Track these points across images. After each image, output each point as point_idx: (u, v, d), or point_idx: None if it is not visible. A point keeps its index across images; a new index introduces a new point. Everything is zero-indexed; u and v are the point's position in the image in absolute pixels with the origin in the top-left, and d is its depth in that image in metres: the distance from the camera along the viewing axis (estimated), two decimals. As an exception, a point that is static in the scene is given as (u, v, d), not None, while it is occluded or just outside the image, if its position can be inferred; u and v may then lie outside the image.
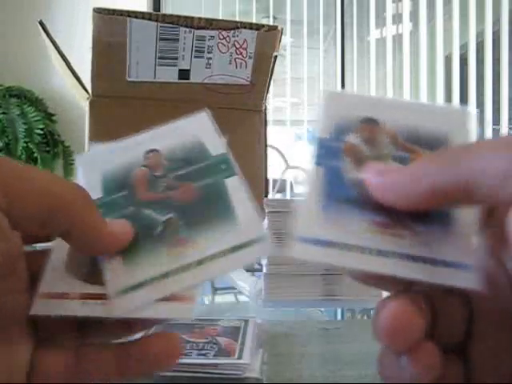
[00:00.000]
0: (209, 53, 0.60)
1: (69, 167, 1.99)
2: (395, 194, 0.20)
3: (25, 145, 1.84)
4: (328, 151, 0.23)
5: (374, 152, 0.23)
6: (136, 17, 0.56)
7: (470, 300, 0.21)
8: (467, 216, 0.21)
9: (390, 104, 0.25)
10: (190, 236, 0.23)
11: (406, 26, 2.58)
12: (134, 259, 0.23)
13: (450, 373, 0.20)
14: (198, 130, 0.28)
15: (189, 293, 0.21)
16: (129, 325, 0.22)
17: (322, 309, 0.81)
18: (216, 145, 0.27)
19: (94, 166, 0.26)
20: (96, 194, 0.24)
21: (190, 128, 0.28)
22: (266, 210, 0.61)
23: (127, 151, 0.27)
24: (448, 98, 2.48)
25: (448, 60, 2.50)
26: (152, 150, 0.26)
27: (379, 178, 0.20)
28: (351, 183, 0.22)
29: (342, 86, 2.73)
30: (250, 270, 0.73)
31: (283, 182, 1.99)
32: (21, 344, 0.20)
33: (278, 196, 1.95)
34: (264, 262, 0.62)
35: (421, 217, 0.21)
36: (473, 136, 0.24)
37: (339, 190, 0.22)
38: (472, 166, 0.18)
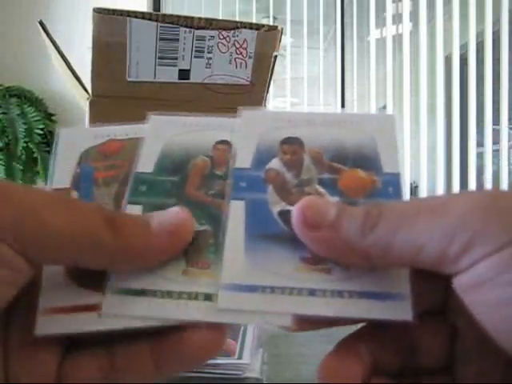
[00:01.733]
0: (209, 53, 0.60)
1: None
2: (326, 252, 0.19)
3: (25, 145, 1.84)
4: (249, 183, 0.21)
5: (299, 177, 0.22)
6: (136, 17, 0.56)
7: (453, 324, 0.21)
8: None
9: (312, 119, 0.23)
10: (213, 260, 0.20)
11: (406, 26, 2.58)
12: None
13: None
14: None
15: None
16: None
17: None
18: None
19: (158, 133, 0.23)
20: (148, 165, 0.22)
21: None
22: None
23: (204, 130, 0.24)
24: (448, 97, 2.48)
25: (448, 60, 2.50)
26: (222, 142, 0.23)
27: (310, 232, 0.19)
28: (276, 217, 0.20)
29: (342, 86, 2.72)
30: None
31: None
32: (47, 354, 0.19)
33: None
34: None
35: None
36: (396, 140, 0.23)
37: (263, 226, 0.20)
38: (407, 242, 0.17)
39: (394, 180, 0.22)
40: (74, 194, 0.22)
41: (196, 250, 0.20)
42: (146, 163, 0.22)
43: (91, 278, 0.19)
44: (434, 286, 0.21)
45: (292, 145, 0.23)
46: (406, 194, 0.23)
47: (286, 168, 0.22)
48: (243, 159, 0.22)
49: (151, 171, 0.22)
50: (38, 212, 0.17)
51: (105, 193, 0.22)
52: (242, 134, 0.23)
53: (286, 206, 0.21)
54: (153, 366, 0.19)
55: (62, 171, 0.23)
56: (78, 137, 0.24)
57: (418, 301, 0.19)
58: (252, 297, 0.19)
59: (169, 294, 0.19)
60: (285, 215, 0.20)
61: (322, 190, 0.22)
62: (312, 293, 0.19)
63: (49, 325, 0.18)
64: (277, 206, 0.21)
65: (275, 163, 0.22)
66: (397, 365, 0.21)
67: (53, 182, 0.23)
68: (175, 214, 0.19)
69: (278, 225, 0.20)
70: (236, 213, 0.20)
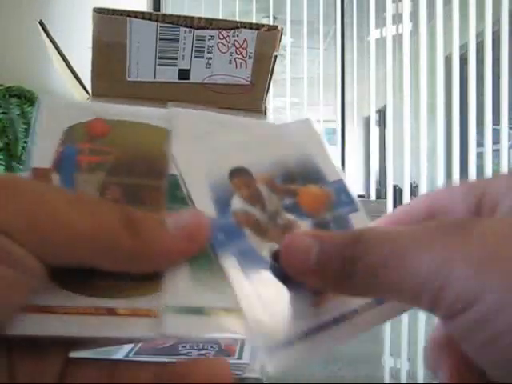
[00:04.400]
0: (209, 53, 0.60)
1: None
2: (320, 288, 0.20)
3: (25, 145, 1.84)
4: (226, 233, 0.20)
5: (266, 210, 0.21)
6: (136, 17, 0.56)
7: None
8: None
9: (237, 133, 0.23)
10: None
11: (406, 26, 2.58)
12: (204, 275, 0.19)
13: None
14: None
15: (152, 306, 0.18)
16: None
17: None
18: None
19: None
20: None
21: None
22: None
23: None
24: (448, 97, 2.48)
25: (448, 60, 2.50)
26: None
27: (299, 276, 0.19)
28: (271, 260, 0.20)
29: (342, 86, 2.73)
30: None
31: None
32: (51, 355, 0.18)
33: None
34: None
35: None
36: (325, 145, 0.23)
37: (264, 273, 0.20)
38: (389, 282, 0.17)
39: (341, 187, 0.23)
40: (55, 177, 0.20)
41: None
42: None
43: (73, 280, 0.18)
44: None
45: (242, 177, 0.21)
46: (355, 196, 0.23)
47: (249, 204, 0.21)
48: (203, 203, 0.20)
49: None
50: (55, 211, 0.16)
51: (88, 179, 0.20)
52: (187, 174, 0.21)
53: (271, 244, 0.20)
54: None
55: (43, 148, 0.20)
56: (62, 109, 0.21)
57: None
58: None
59: (227, 311, 0.18)
60: (277, 255, 0.20)
61: (291, 217, 0.21)
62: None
63: (22, 324, 0.16)
64: (264, 250, 0.20)
65: (237, 203, 0.21)
66: None
67: (32, 159, 0.20)
68: (193, 217, 0.19)
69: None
70: (232, 270, 0.19)
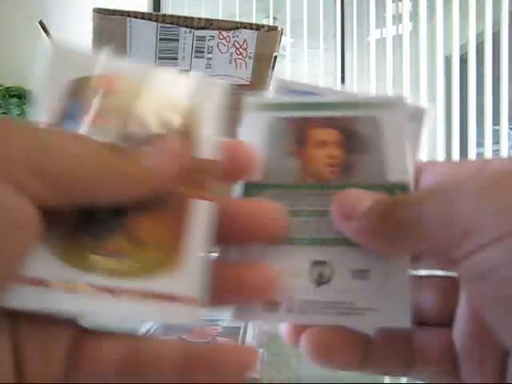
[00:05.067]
0: (209, 53, 0.60)
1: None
2: (360, 239, 0.20)
3: (25, 145, 1.84)
4: None
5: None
6: (136, 17, 0.56)
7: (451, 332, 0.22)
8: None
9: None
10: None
11: (406, 26, 2.58)
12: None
13: None
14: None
15: (192, 293, 0.17)
16: None
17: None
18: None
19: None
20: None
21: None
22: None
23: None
24: (448, 97, 2.48)
25: (448, 60, 2.50)
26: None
27: (346, 222, 0.20)
28: None
29: (342, 85, 2.72)
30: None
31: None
32: (58, 332, 0.17)
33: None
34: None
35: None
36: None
37: None
38: (428, 228, 0.18)
39: None
40: None
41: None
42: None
43: (69, 251, 0.17)
44: (446, 298, 0.22)
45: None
46: None
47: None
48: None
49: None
50: (56, 145, 0.16)
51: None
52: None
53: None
54: (178, 372, 0.17)
55: (44, 100, 0.18)
56: (71, 58, 0.19)
57: (431, 311, 0.21)
58: None
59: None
60: None
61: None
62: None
63: (20, 297, 0.15)
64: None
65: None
66: (401, 365, 0.22)
67: (32, 111, 0.18)
68: (174, 142, 0.19)
69: None
70: None
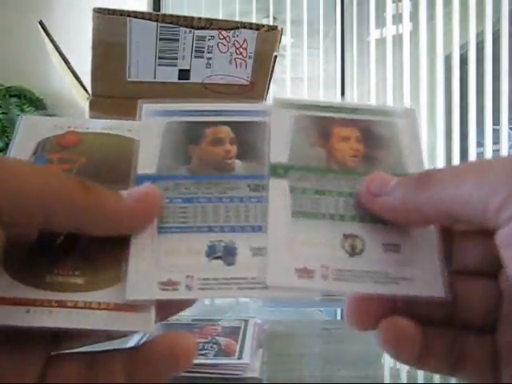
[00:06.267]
0: (209, 53, 0.60)
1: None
2: (387, 214, 0.22)
3: (25, 145, 1.84)
4: None
5: None
6: (136, 17, 0.56)
7: (498, 284, 0.22)
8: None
9: None
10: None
11: (406, 26, 2.58)
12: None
13: (477, 355, 0.22)
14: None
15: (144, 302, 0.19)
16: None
17: (322, 309, 0.81)
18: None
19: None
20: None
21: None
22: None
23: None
24: (448, 97, 2.48)
25: (448, 60, 2.50)
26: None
27: (375, 199, 0.22)
28: None
29: (342, 86, 2.72)
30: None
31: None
32: (32, 354, 0.18)
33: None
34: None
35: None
36: None
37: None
38: (455, 197, 0.19)
39: None
40: None
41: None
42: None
43: (25, 271, 0.19)
44: (491, 250, 0.22)
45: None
46: None
47: None
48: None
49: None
50: (15, 172, 0.17)
51: None
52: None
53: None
54: (125, 375, 0.19)
55: (18, 157, 0.22)
56: (38, 125, 0.24)
57: (475, 260, 0.22)
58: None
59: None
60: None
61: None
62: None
63: None
64: None
65: None
66: (443, 314, 0.22)
67: None
68: (144, 186, 0.21)
69: None
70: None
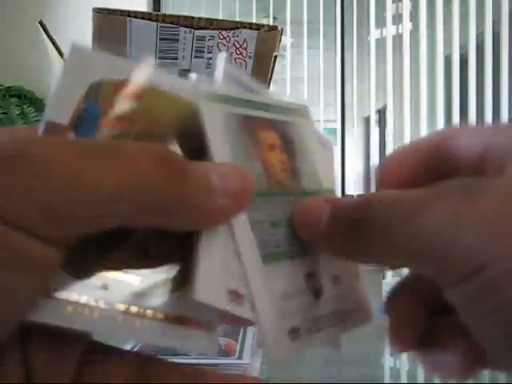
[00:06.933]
0: (209, 53, 0.60)
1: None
2: (327, 252, 0.20)
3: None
4: None
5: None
6: (136, 17, 0.56)
7: None
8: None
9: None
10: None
11: (406, 26, 2.58)
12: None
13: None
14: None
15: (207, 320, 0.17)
16: None
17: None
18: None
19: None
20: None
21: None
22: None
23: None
24: (448, 97, 2.48)
25: (448, 60, 2.50)
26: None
27: (310, 234, 0.20)
28: None
29: (342, 86, 2.72)
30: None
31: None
32: (69, 347, 0.16)
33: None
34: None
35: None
36: None
37: None
38: (394, 250, 0.17)
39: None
40: (71, 137, 0.17)
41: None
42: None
43: (76, 264, 0.16)
44: None
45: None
46: None
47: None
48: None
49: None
50: (70, 176, 0.13)
51: None
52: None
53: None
54: None
55: (63, 100, 0.17)
56: (94, 60, 0.18)
57: None
58: None
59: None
60: None
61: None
62: None
63: (52, 313, 0.15)
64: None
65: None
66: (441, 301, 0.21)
67: (49, 111, 0.17)
68: (240, 176, 0.17)
69: None
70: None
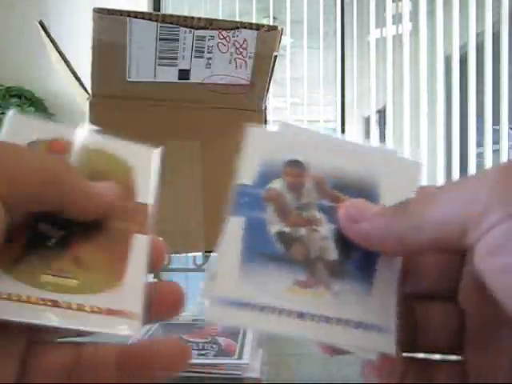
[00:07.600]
0: (209, 53, 0.60)
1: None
2: (365, 241, 0.21)
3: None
4: (250, 199, 0.22)
5: (299, 200, 0.22)
6: (136, 17, 0.56)
7: (460, 309, 0.22)
8: (387, 274, 0.21)
9: (319, 144, 0.23)
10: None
11: (406, 26, 2.58)
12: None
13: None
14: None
15: (135, 309, 0.20)
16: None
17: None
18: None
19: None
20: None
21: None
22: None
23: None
24: (448, 97, 2.48)
25: (448, 60, 2.50)
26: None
27: (354, 224, 0.21)
28: (273, 237, 0.21)
29: (342, 86, 2.72)
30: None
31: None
32: (12, 343, 0.19)
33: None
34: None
35: (343, 273, 0.21)
36: (406, 178, 0.23)
37: (261, 244, 0.21)
38: (434, 221, 0.19)
39: None
40: None
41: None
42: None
43: (20, 269, 0.19)
44: (447, 270, 0.22)
45: (296, 168, 0.23)
46: None
47: (288, 189, 0.22)
48: (246, 175, 0.22)
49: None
50: (19, 155, 0.19)
51: None
52: (248, 151, 0.22)
53: (284, 227, 0.21)
54: (116, 371, 0.19)
55: None
56: (29, 125, 0.23)
57: (431, 281, 0.22)
58: (241, 313, 0.20)
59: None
60: (282, 236, 0.21)
61: (320, 215, 0.22)
62: (302, 316, 0.20)
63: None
64: (275, 227, 0.21)
65: (277, 183, 0.22)
66: (406, 341, 0.22)
67: None
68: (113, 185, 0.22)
69: (274, 245, 0.21)
70: (234, 228, 0.21)
